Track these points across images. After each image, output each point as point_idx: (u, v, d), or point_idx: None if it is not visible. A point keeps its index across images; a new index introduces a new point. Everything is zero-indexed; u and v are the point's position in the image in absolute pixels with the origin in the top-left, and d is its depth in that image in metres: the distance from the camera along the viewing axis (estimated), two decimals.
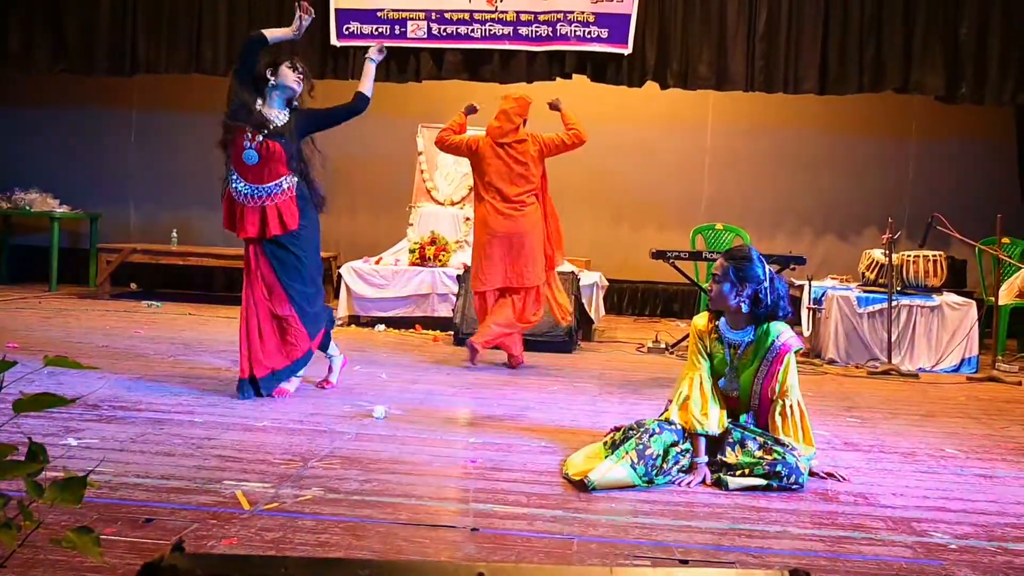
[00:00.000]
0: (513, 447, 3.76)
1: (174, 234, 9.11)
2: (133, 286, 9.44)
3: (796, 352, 3.52)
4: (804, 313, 6.96)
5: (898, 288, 6.63)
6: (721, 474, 3.34)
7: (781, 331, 3.50)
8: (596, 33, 7.61)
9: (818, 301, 6.84)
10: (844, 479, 3.49)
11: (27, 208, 9.31)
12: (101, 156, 9.89)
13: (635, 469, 3.27)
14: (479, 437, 3.91)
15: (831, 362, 6.61)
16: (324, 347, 4.78)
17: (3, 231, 9.93)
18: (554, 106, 6.04)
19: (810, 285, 6.93)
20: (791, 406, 3.50)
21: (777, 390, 3.48)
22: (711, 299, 3.59)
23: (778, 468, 3.33)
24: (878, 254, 6.88)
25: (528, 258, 5.74)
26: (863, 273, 7.04)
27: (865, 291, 6.80)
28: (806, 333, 6.99)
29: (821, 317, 6.79)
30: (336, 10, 7.95)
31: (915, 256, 6.77)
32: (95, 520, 2.63)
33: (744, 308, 3.49)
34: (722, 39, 7.61)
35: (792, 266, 6.76)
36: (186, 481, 3.05)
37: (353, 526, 2.70)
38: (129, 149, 9.92)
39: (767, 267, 3.57)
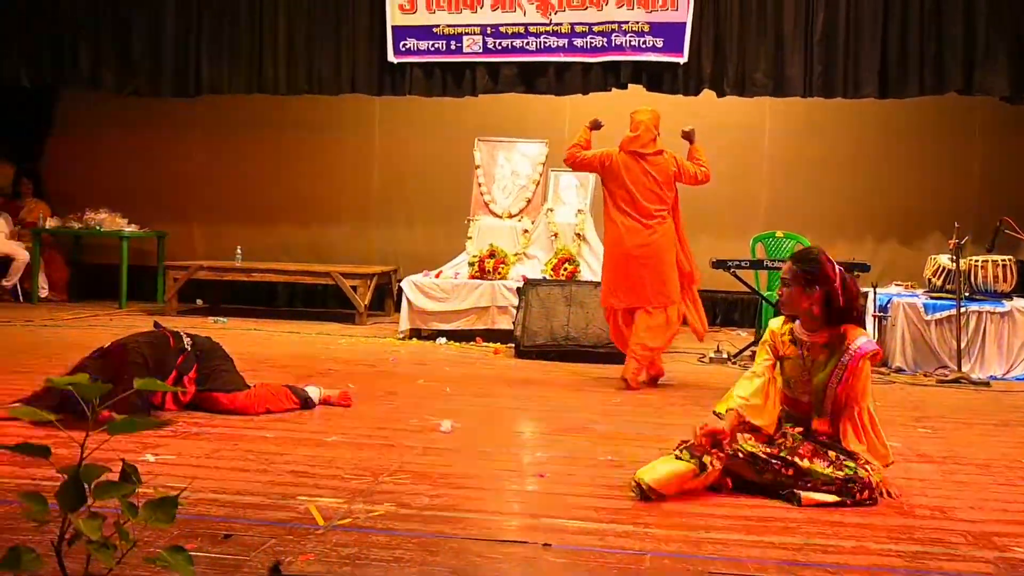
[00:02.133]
0: (580, 460, 3.76)
1: (238, 250, 9.29)
2: (200, 302, 9.65)
3: (871, 357, 3.47)
4: (869, 321, 6.84)
5: (966, 294, 6.49)
6: (793, 488, 3.30)
7: (858, 336, 3.46)
8: (651, 43, 7.59)
9: (884, 309, 6.72)
10: (894, 495, 3.37)
11: (97, 228, 9.58)
12: (167, 175, 10.13)
13: (680, 456, 3.29)
14: (545, 451, 3.92)
15: (898, 371, 6.48)
16: None
17: (75, 251, 10.23)
18: (688, 136, 5.99)
19: (875, 292, 6.82)
20: (860, 413, 3.45)
21: (849, 395, 3.44)
22: (782, 304, 3.57)
23: (850, 484, 3.28)
24: (945, 259, 6.74)
25: (665, 276, 5.66)
26: (929, 279, 6.90)
27: (932, 297, 6.67)
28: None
29: (887, 325, 6.66)
30: (393, 27, 8.06)
31: (983, 261, 6.62)
32: (176, 536, 2.69)
33: (816, 311, 3.46)
34: (779, 45, 7.53)
35: (855, 273, 6.64)
36: (261, 496, 3.11)
37: (426, 542, 2.72)
38: (193, 168, 10.15)
39: (837, 267, 3.53)
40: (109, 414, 4.08)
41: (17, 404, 3.97)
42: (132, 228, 9.65)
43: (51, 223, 9.72)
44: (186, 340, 4.47)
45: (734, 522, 3.02)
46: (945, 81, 7.41)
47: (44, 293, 9.79)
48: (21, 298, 9.68)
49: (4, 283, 9.60)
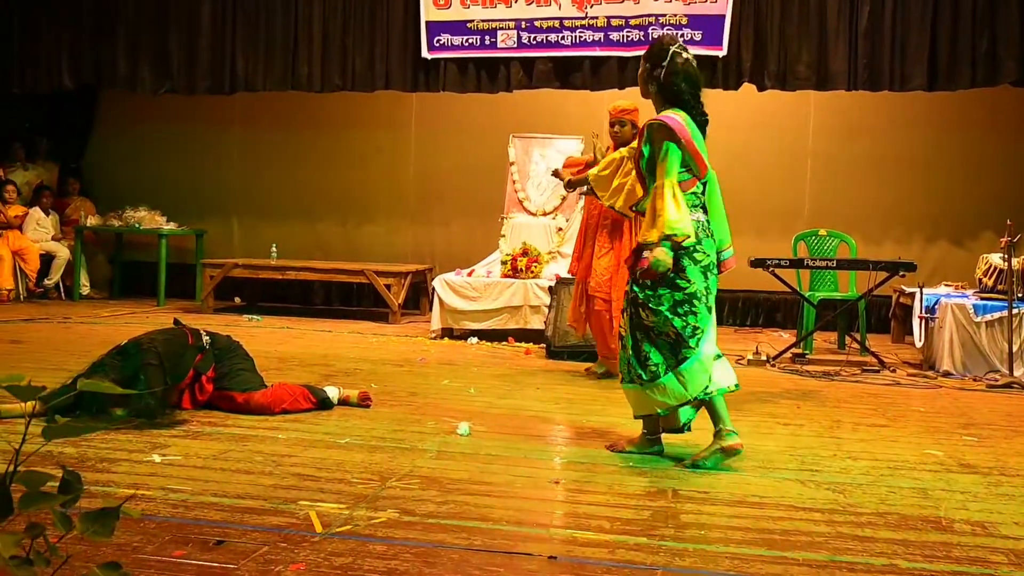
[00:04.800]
0: (599, 466, 3.61)
1: (273, 248, 9.28)
2: (237, 300, 9.66)
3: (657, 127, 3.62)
4: (916, 323, 6.58)
5: (1019, 295, 6.19)
6: None
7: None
8: (690, 35, 7.40)
9: (931, 310, 6.44)
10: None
11: (137, 226, 9.65)
12: (205, 173, 10.19)
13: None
14: (565, 456, 3.77)
15: (946, 375, 6.21)
16: None
17: (116, 248, 10.32)
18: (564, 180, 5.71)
19: (922, 293, 6.55)
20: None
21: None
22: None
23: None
24: (996, 259, 6.45)
25: None
26: (980, 279, 6.61)
27: (983, 298, 6.37)
28: (918, 344, 6.60)
29: (934, 327, 6.39)
30: (427, 23, 7.97)
31: None
32: (167, 541, 2.60)
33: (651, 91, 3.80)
34: (822, 37, 7.29)
35: (901, 273, 6.41)
36: (262, 501, 3.00)
37: (425, 552, 2.59)
38: (231, 166, 10.18)
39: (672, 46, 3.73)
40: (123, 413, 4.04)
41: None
42: (171, 226, 9.71)
43: (92, 221, 9.81)
44: (205, 338, 4.40)
45: (755, 535, 2.84)
46: (999, 72, 7.11)
47: (86, 291, 9.89)
48: (63, 295, 9.79)
49: (46, 281, 9.71)
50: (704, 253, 3.62)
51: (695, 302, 3.59)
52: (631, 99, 5.66)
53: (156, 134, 10.21)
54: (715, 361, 3.69)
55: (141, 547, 2.55)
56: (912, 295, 6.83)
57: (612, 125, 5.64)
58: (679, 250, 3.54)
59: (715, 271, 3.70)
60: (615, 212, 5.20)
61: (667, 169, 3.55)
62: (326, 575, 2.40)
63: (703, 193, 3.73)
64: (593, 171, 4.37)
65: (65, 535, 1.47)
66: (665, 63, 3.69)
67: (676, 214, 3.49)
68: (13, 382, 1.52)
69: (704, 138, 3.76)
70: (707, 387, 3.64)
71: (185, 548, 2.55)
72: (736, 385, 3.76)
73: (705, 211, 3.71)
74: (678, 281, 3.59)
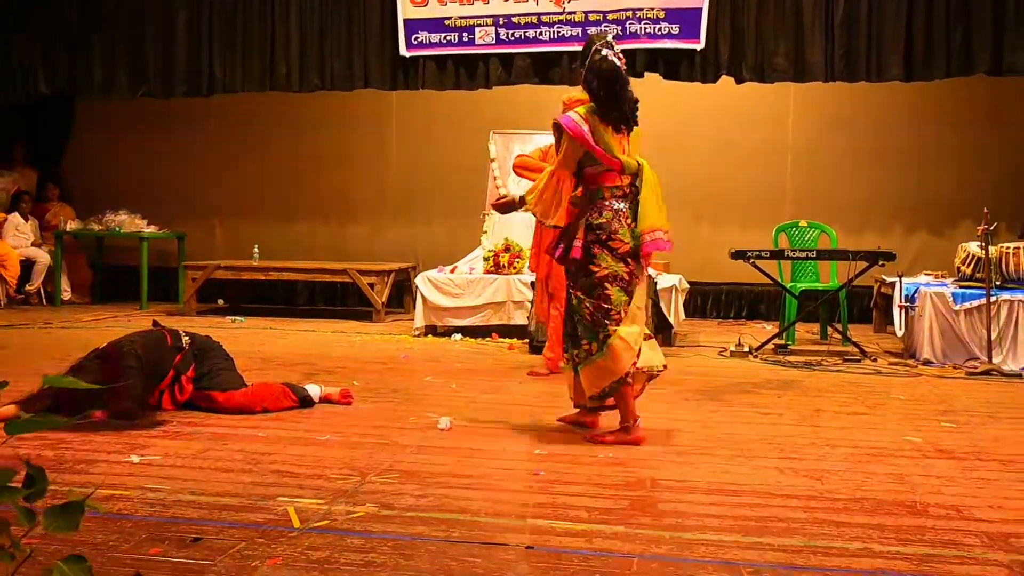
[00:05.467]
0: (580, 458, 3.62)
1: (255, 249, 9.25)
2: (220, 302, 9.63)
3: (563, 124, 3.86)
4: (896, 312, 6.63)
5: (997, 282, 6.24)
6: None
7: None
8: (667, 29, 7.41)
9: (911, 299, 6.49)
10: None
11: (117, 230, 9.60)
12: (185, 176, 10.14)
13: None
14: (545, 448, 3.78)
15: (926, 363, 6.25)
16: None
17: (97, 253, 10.26)
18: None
19: (901, 282, 6.59)
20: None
21: None
22: None
23: None
24: (974, 247, 6.49)
25: None
26: (959, 268, 6.66)
27: (961, 287, 6.42)
28: (899, 333, 6.64)
29: (914, 315, 6.43)
30: (404, 21, 7.96)
31: (1014, 248, 6.37)
32: (144, 539, 2.60)
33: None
34: (799, 28, 7.31)
35: (881, 262, 6.44)
36: (240, 498, 3.00)
37: (402, 544, 2.60)
38: (211, 167, 10.14)
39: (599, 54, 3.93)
40: (102, 415, 4.03)
41: (10, 405, 3.91)
42: (152, 229, 9.66)
43: (72, 226, 9.76)
44: (184, 339, 4.39)
45: (732, 522, 2.86)
46: (973, 62, 7.15)
47: (67, 296, 9.84)
48: (45, 301, 9.73)
49: (27, 287, 9.65)
50: (620, 241, 3.84)
51: (607, 285, 3.81)
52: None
53: (135, 137, 10.15)
54: (644, 342, 3.93)
55: (116, 545, 2.54)
56: (892, 284, 6.87)
57: None
58: (593, 239, 3.83)
59: (636, 257, 3.89)
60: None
61: (558, 160, 3.92)
62: (303, 569, 2.40)
63: (632, 184, 3.92)
64: (530, 195, 4.19)
65: (29, 530, 1.46)
66: (587, 61, 3.97)
67: (533, 190, 3.99)
68: None
69: (630, 131, 3.98)
70: (634, 363, 3.85)
71: (161, 546, 2.55)
72: (664, 366, 4.04)
73: (629, 200, 3.91)
74: (590, 266, 3.84)
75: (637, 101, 4.02)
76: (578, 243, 3.85)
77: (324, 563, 2.45)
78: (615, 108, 3.90)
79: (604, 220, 3.83)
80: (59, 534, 1.50)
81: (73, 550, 2.41)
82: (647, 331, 4.01)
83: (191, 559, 2.46)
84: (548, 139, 8.22)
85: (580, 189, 3.95)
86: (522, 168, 5.88)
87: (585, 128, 3.82)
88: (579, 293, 3.87)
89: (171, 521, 2.77)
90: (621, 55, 4.00)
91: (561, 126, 3.87)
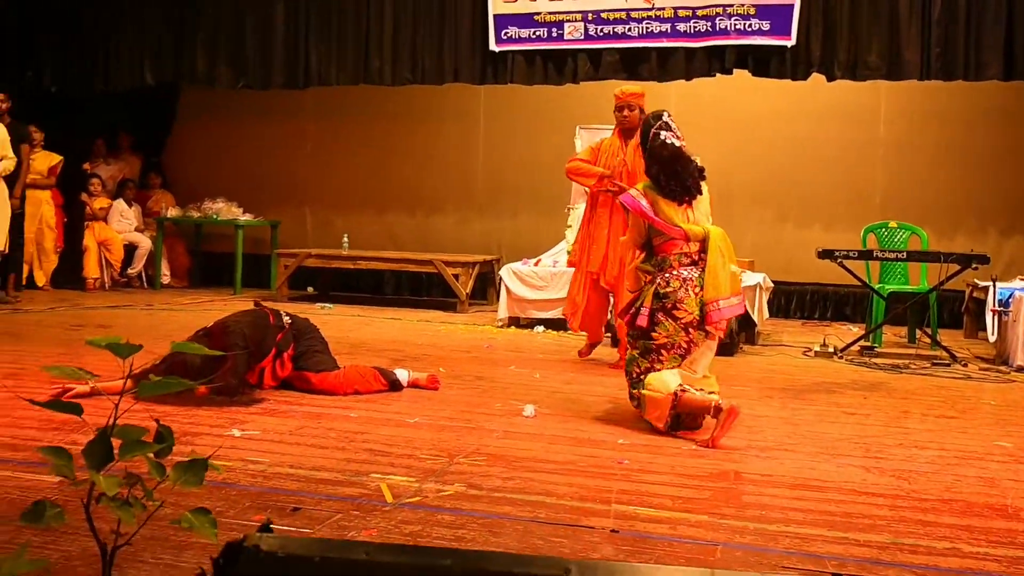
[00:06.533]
0: (663, 449, 3.67)
1: (345, 239, 9.50)
2: (310, 289, 9.91)
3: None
4: (989, 317, 6.47)
5: None
6: None
7: None
8: (757, 26, 7.35)
9: (1005, 304, 6.32)
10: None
11: (214, 217, 9.98)
12: (279, 166, 10.46)
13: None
14: (628, 438, 3.84)
15: (1019, 369, 6.08)
16: None
17: (195, 239, 10.68)
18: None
19: (995, 286, 6.43)
20: None
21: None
22: None
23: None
24: None
25: None
26: None
27: None
28: (991, 338, 6.48)
29: (1008, 321, 6.26)
30: (495, 16, 8.06)
31: None
32: (248, 507, 2.75)
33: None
34: (893, 25, 7.17)
35: (974, 265, 6.29)
36: (335, 473, 3.14)
37: (491, 523, 2.69)
38: (304, 158, 10.45)
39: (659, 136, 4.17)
40: (205, 391, 4.23)
41: (120, 379, 4.13)
42: (247, 217, 10.00)
43: (172, 213, 10.17)
44: (285, 318, 4.57)
45: (816, 517, 2.87)
46: None
47: (166, 280, 10.26)
48: (145, 284, 10.17)
49: (129, 271, 10.09)
50: (685, 311, 3.98)
51: (663, 352, 3.99)
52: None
53: (233, 128, 10.52)
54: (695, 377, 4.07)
55: (223, 511, 2.70)
56: (985, 289, 6.71)
57: (620, 109, 5.73)
58: (658, 307, 4.00)
59: (701, 326, 4.00)
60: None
61: (629, 235, 4.27)
62: (396, 542, 2.51)
63: (702, 250, 4.06)
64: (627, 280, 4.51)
65: (159, 483, 1.59)
66: (646, 145, 4.25)
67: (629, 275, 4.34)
68: (112, 341, 1.66)
69: (693, 199, 4.15)
70: (680, 386, 3.92)
71: (264, 514, 2.69)
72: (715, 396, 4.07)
73: (699, 267, 4.04)
74: (652, 333, 4.01)
75: (702, 170, 4.21)
76: (644, 310, 4.02)
77: (417, 536, 2.56)
78: (677, 186, 4.10)
79: (671, 289, 4.00)
80: (186, 488, 1.63)
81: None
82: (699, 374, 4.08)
83: (292, 527, 2.59)
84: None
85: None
86: (575, 174, 5.93)
87: (644, 202, 4.07)
88: (635, 352, 4.08)
89: (271, 491, 2.92)
90: (679, 132, 4.22)
91: (624, 204, 4.20)
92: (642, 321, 4.02)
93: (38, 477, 2.97)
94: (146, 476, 1.71)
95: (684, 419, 3.91)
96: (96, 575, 2.19)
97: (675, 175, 4.10)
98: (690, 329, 3.98)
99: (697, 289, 4.00)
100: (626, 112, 5.70)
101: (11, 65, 9.39)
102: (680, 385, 3.87)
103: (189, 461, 1.60)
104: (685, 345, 3.99)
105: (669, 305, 3.98)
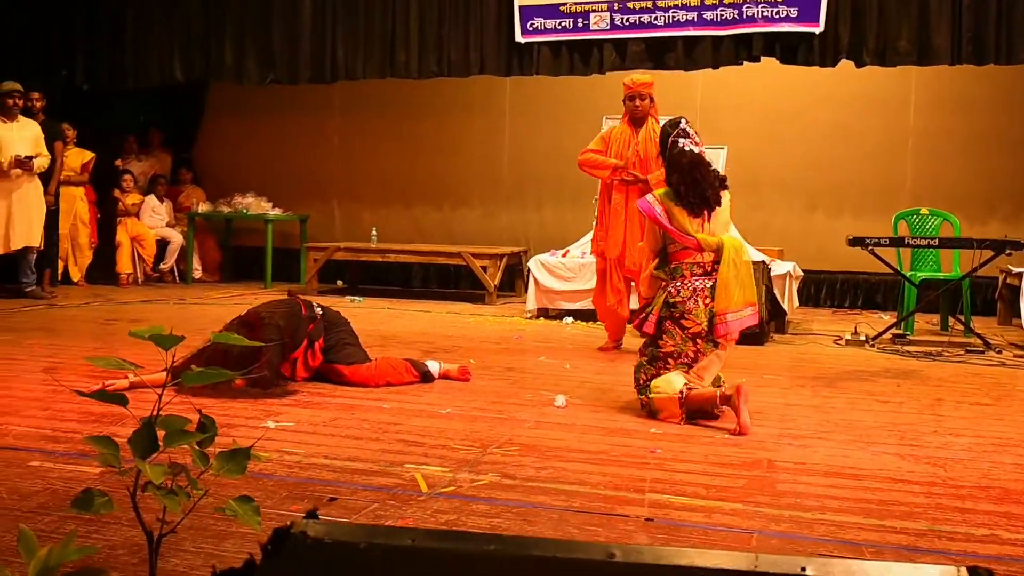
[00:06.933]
0: (695, 438, 3.67)
1: (373, 232, 9.56)
2: (339, 283, 9.98)
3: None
4: (1023, 303, 6.39)
5: None
6: None
7: None
8: (785, 12, 7.28)
9: None
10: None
11: (244, 211, 10.07)
12: (307, 160, 10.53)
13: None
14: (660, 427, 3.84)
15: None
16: None
17: (226, 234, 10.79)
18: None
19: None
20: None
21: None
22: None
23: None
24: None
25: None
26: None
27: None
28: None
29: None
30: (520, 7, 8.05)
31: None
32: (285, 497, 2.78)
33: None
34: (923, 10, 7.07)
35: (1008, 251, 6.21)
36: (370, 463, 3.17)
37: (526, 511, 2.71)
38: (332, 152, 10.51)
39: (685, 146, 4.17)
40: (241, 384, 4.28)
41: (159, 373, 4.19)
42: (276, 212, 10.08)
43: (203, 208, 10.27)
44: (316, 309, 4.61)
45: (852, 505, 2.87)
46: None
47: (198, 274, 10.37)
48: (177, 279, 10.29)
49: (162, 265, 10.22)
50: (693, 321, 3.99)
51: (669, 361, 4.01)
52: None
53: (261, 123, 10.60)
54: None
55: (261, 501, 2.70)
56: (1019, 275, 6.63)
57: (632, 99, 5.76)
58: (667, 315, 4.01)
59: (709, 337, 4.00)
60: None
61: (646, 242, 4.26)
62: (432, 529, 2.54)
63: (716, 260, 4.04)
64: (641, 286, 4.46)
65: (203, 472, 1.62)
66: (666, 152, 4.24)
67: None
68: (156, 331, 1.69)
69: (711, 210, 4.13)
70: (685, 386, 3.97)
71: (300, 503, 2.73)
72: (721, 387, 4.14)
73: (711, 277, 4.03)
74: (659, 341, 4.04)
75: (724, 179, 4.20)
76: (653, 318, 4.04)
77: (452, 525, 2.58)
78: (696, 195, 4.08)
79: (680, 299, 4.01)
80: (229, 477, 1.66)
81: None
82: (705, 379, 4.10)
83: (329, 516, 2.62)
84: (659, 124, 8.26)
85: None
86: (588, 167, 5.98)
87: (658, 210, 4.09)
88: (643, 359, 4.11)
89: (307, 481, 2.96)
90: (697, 138, 4.22)
91: (639, 210, 4.25)
92: (649, 328, 4.05)
93: (79, 468, 3.03)
94: (189, 466, 1.74)
95: (696, 415, 3.92)
96: (140, 564, 2.23)
97: (695, 183, 4.09)
98: (697, 339, 3.99)
99: (708, 300, 4.00)
100: (637, 102, 5.76)
101: (44, 64, 9.53)
102: (686, 384, 3.89)
103: (231, 450, 1.63)
104: (692, 355, 4.00)
105: (677, 314, 4.00)
